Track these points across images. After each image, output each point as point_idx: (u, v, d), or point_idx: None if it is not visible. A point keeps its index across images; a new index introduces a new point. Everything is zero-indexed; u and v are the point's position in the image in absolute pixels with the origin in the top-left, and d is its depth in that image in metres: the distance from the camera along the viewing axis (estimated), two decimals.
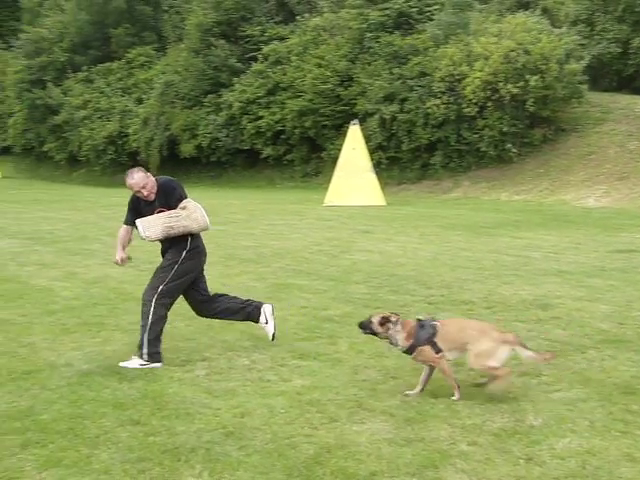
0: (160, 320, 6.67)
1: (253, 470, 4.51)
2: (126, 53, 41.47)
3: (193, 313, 7.25)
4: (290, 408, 5.50)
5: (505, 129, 25.99)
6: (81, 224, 18.05)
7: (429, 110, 27.28)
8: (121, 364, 6.51)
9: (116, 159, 38.72)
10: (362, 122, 26.46)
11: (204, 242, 7.07)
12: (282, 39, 34.54)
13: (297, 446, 4.83)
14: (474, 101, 25.98)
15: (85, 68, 42.29)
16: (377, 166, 25.36)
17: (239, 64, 35.11)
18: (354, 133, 24.68)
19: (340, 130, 29.09)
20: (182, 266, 6.76)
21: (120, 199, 24.26)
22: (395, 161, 29.06)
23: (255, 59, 34.49)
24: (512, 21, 26.93)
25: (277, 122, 32.50)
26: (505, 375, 5.63)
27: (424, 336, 5.72)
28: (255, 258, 12.70)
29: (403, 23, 30.93)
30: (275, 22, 35.92)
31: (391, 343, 5.89)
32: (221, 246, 13.92)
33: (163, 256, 6.94)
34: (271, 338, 7.11)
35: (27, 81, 43.03)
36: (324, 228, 17.08)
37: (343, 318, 8.29)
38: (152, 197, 6.72)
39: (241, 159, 35.09)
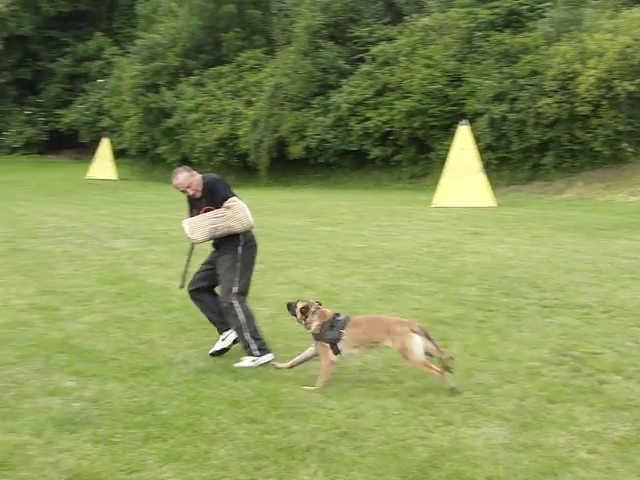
0: (250, 315, 6.84)
1: (368, 471, 4.53)
2: (236, 57, 42.12)
3: None
4: (403, 410, 5.49)
5: (621, 128, 25.19)
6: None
7: (540, 109, 26.71)
8: (235, 365, 6.63)
9: (227, 161, 39.37)
10: (471, 122, 26.10)
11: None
12: (390, 40, 34.42)
13: (412, 448, 4.82)
14: (588, 99, 25.27)
15: (197, 72, 43.18)
16: (486, 167, 24.95)
17: (347, 65, 35.20)
18: (463, 133, 24.41)
19: (449, 130, 28.76)
20: (242, 262, 6.91)
21: None
22: (505, 161, 28.57)
23: (363, 60, 34.49)
24: (628, 16, 26.08)
25: (385, 123, 32.42)
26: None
27: (328, 336, 6.17)
28: (365, 259, 12.71)
29: (513, 21, 30.39)
30: (383, 23, 35.80)
31: (305, 327, 6.36)
32: (330, 247, 14.01)
33: (215, 248, 7.07)
34: (210, 353, 7.01)
35: (142, 85, 44.25)
36: (433, 229, 16.95)
37: (455, 320, 8.21)
38: (198, 195, 6.92)
39: (349, 160, 35.15)
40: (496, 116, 27.92)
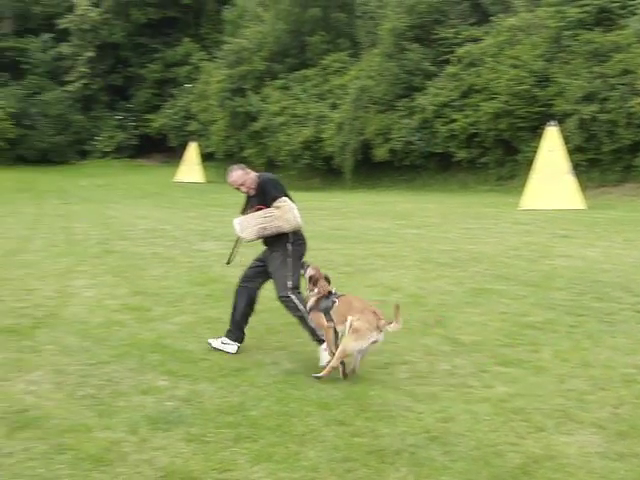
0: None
1: (458, 476, 4.50)
2: (321, 60, 42.31)
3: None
4: (494, 415, 5.43)
5: None
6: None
7: (632, 109, 26.00)
8: (321, 364, 6.65)
9: (312, 164, 39.57)
10: (560, 123, 25.55)
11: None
12: (476, 40, 34.02)
13: (503, 454, 4.76)
14: None
15: (282, 75, 43.58)
16: (575, 168, 24.41)
17: (432, 67, 34.95)
18: (551, 135, 23.95)
19: (536, 132, 28.22)
20: (293, 257, 7.07)
21: (318, 203, 24.84)
22: (595, 163, 27.89)
23: (448, 62, 34.20)
24: None
25: (471, 125, 32.06)
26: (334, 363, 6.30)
27: (322, 305, 6.62)
28: (451, 262, 12.59)
29: (604, 19, 29.62)
30: (469, 24, 35.40)
31: (308, 292, 6.83)
32: (417, 250, 13.93)
33: (266, 245, 7.26)
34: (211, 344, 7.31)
35: (228, 90, 44.86)
36: (521, 232, 16.68)
37: (545, 325, 8.07)
38: (252, 192, 7.10)
39: (434, 162, 34.89)
40: (586, 117, 27.29)
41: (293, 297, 6.94)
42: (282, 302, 7.05)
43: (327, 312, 6.60)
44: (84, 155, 59.83)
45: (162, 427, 5.25)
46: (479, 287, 10.30)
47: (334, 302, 6.60)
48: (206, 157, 47.96)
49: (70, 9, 59.83)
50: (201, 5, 59.86)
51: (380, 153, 35.37)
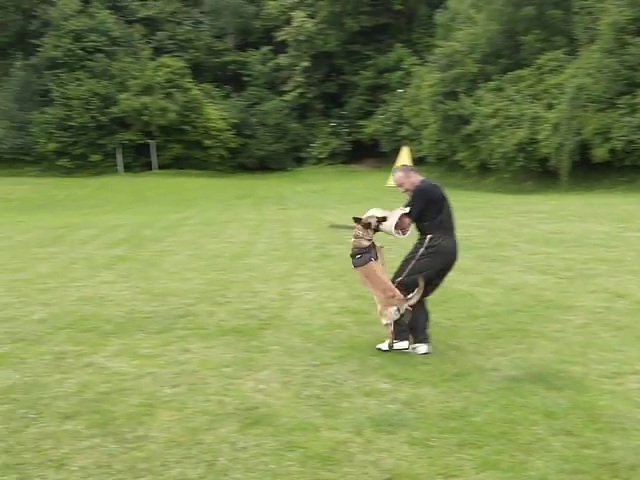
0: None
1: None
2: (536, 59, 41.26)
3: (620, 324, 7.00)
4: None
5: None
6: (496, 231, 18.30)
7: None
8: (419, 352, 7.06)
9: (526, 166, 38.65)
10: None
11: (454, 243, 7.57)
12: None
13: None
14: None
15: (495, 77, 42.94)
16: None
17: None
18: None
19: None
20: (419, 262, 7.32)
21: (534, 206, 24.15)
22: None
23: None
24: None
25: None
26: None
27: (358, 260, 7.34)
28: None
29: None
30: None
31: (358, 238, 7.42)
32: None
33: None
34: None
35: (441, 93, 44.81)
36: None
37: None
38: (409, 194, 7.52)
39: None
40: None
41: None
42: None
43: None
44: (300, 162, 61.92)
45: (386, 429, 5.31)
46: None
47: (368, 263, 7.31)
48: (417, 161, 48.08)
49: (288, 22, 62.12)
50: (413, 10, 60.25)
51: (599, 153, 33.91)
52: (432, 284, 7.51)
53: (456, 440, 5.10)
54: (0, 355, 7.55)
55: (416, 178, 7.48)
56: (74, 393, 6.25)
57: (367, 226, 7.41)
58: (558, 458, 4.78)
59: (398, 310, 7.06)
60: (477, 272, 12.03)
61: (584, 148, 35.07)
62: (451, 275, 11.78)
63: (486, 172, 43.51)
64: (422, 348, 7.27)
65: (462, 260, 13.27)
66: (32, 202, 40.88)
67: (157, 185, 49.09)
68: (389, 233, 7.43)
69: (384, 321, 7.12)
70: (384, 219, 7.42)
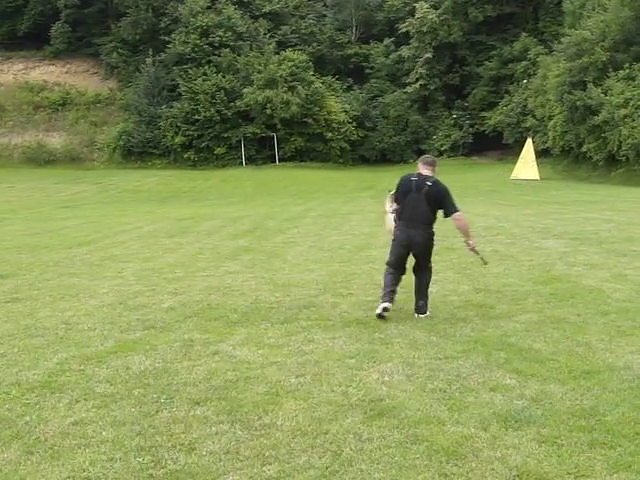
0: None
1: None
2: None
3: None
4: None
5: None
6: (625, 225, 17.70)
7: None
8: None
9: None
10: None
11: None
12: None
13: None
14: None
15: (627, 65, 41.37)
16: None
17: None
18: None
19: None
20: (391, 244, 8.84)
21: None
22: None
23: None
24: None
25: None
26: None
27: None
28: None
29: None
30: None
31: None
32: None
33: None
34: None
35: (568, 83, 43.55)
36: None
37: None
38: None
39: None
40: None
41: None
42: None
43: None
44: (421, 154, 61.12)
45: (513, 425, 5.22)
46: None
47: None
48: (540, 153, 46.99)
49: (411, 13, 61.79)
50: None
51: None
52: (401, 264, 8.77)
53: (586, 439, 4.96)
54: (132, 341, 7.83)
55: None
56: (202, 380, 6.42)
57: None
58: None
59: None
60: (606, 267, 11.67)
61: None
62: (578, 269, 11.55)
63: (614, 164, 42.02)
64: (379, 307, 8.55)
65: (590, 255, 12.97)
66: (160, 194, 42.22)
67: (279, 177, 49.77)
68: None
69: None
70: None
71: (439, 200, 8.41)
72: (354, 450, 4.89)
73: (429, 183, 8.43)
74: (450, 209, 8.43)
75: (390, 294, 8.56)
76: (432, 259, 8.83)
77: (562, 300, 9.33)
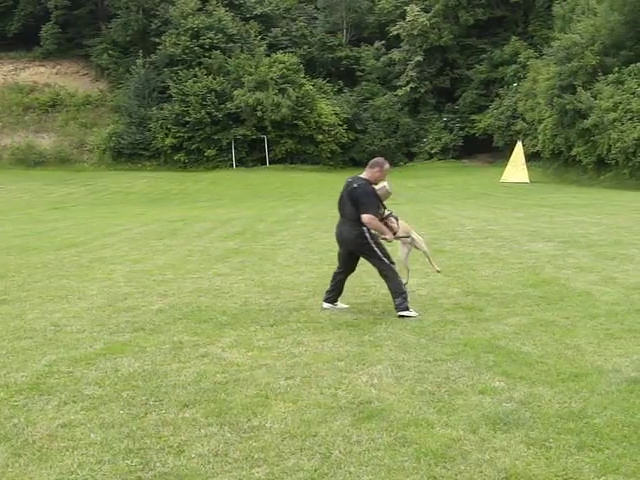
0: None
1: None
2: None
3: None
4: None
5: None
6: (614, 228, 17.76)
7: None
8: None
9: None
10: None
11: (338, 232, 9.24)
12: None
13: None
14: None
15: (616, 70, 41.56)
16: None
17: None
18: None
19: None
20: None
21: None
22: None
23: None
24: None
25: None
26: None
27: None
28: None
29: None
30: None
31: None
32: None
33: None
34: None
35: (557, 87, 43.73)
36: None
37: None
38: None
39: None
40: None
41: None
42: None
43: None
44: (411, 157, 61.64)
45: (501, 428, 5.22)
46: None
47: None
48: (531, 157, 47.14)
49: (401, 16, 61.91)
50: (530, 2, 58.92)
51: None
52: (343, 261, 9.45)
53: (575, 442, 4.96)
54: (121, 343, 7.81)
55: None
56: (192, 382, 6.41)
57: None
58: None
59: None
60: (595, 270, 11.70)
61: None
62: (567, 273, 11.59)
63: (603, 167, 42.22)
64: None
65: (579, 258, 13.01)
66: (149, 195, 42.17)
67: (269, 179, 49.76)
68: None
69: None
70: None
71: (355, 200, 8.88)
72: (343, 452, 4.89)
73: (355, 185, 9.05)
74: (360, 210, 8.82)
75: (328, 293, 9.52)
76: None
77: (551, 303, 9.35)
